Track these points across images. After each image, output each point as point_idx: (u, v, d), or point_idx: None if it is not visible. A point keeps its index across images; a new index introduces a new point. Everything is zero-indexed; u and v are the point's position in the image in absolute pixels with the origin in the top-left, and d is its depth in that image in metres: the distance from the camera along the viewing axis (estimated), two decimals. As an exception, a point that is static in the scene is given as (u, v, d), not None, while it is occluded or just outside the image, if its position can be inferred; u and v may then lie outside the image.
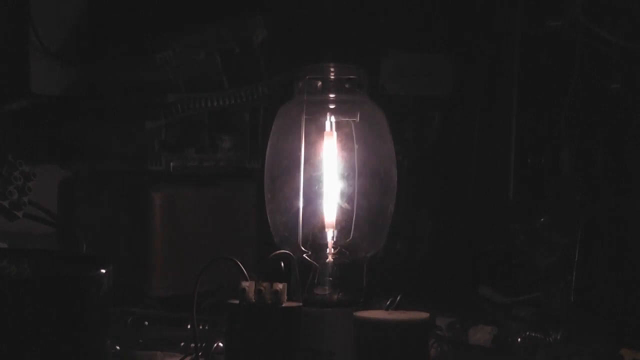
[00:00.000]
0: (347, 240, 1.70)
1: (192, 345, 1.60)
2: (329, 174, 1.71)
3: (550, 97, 1.67)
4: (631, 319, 1.52)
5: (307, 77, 1.70)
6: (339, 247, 1.70)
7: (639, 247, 1.54)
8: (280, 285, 1.54)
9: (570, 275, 1.55)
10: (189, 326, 1.69)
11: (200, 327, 1.69)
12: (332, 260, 1.69)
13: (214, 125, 2.10)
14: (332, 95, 1.73)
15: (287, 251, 1.63)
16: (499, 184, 1.76)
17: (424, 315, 1.47)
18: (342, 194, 1.70)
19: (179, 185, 2.10)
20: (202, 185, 2.10)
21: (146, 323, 1.87)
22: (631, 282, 1.54)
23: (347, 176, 1.70)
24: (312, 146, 1.70)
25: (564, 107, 1.57)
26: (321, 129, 1.72)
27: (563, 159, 1.65)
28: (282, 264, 1.58)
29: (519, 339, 1.59)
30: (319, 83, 1.70)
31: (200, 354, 1.63)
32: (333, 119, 1.71)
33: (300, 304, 1.56)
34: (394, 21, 1.91)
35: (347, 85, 1.72)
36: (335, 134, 1.70)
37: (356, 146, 1.69)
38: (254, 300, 1.54)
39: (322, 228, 1.71)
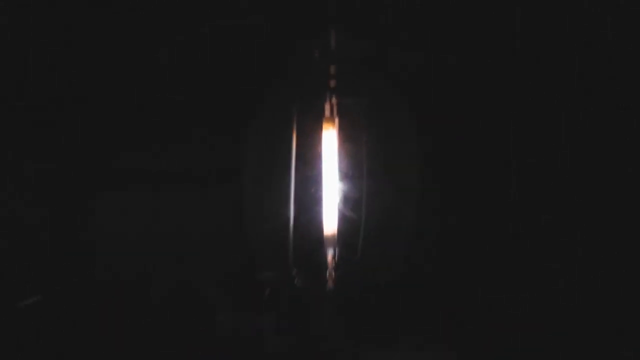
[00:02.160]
0: (353, 260, 1.50)
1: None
2: (329, 173, 1.53)
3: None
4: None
5: (301, 44, 1.50)
6: (342, 270, 1.51)
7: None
8: None
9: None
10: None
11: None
12: (333, 287, 1.49)
13: (187, 117, 1.70)
14: (333, 70, 1.51)
15: (273, 274, 1.48)
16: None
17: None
18: (347, 199, 1.53)
19: (137, 187, 1.73)
20: (169, 187, 1.72)
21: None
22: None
23: (352, 176, 1.53)
24: (306, 137, 1.52)
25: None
26: (319, 115, 1.53)
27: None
28: (267, 293, 1.45)
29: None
30: (316, 52, 1.50)
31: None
32: (335, 100, 1.51)
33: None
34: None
35: (354, 57, 1.52)
36: (337, 120, 1.52)
37: (365, 136, 1.50)
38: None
39: (320, 244, 1.53)
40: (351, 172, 1.56)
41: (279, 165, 1.53)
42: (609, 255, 1.50)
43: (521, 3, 1.52)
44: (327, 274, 1.52)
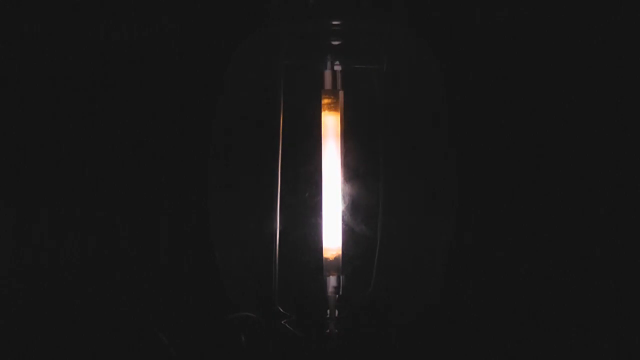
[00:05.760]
0: (364, 293, 1.32)
1: None
2: (330, 171, 1.33)
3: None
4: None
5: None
6: (348, 307, 1.32)
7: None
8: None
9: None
10: None
11: None
12: (335, 332, 1.30)
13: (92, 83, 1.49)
14: (336, 22, 1.32)
15: (250, 315, 1.32)
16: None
17: None
18: (355, 208, 1.34)
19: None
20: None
21: None
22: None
23: (364, 174, 1.34)
24: (297, 118, 1.33)
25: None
26: (315, 86, 1.34)
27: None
28: (243, 337, 1.30)
29: None
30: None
31: None
32: (338, 66, 1.33)
33: None
34: None
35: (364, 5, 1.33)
36: (341, 94, 1.33)
37: (382, 118, 1.33)
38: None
39: (318, 271, 1.33)
40: (362, 169, 1.33)
41: (258, 158, 1.32)
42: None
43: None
44: (328, 314, 1.29)
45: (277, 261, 1.28)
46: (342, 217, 1.30)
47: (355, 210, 1.30)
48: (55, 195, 1.50)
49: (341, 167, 1.30)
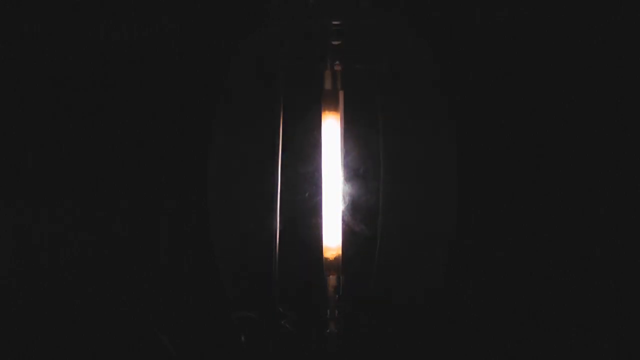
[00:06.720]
0: (364, 293, 1.29)
1: None
2: (330, 171, 1.30)
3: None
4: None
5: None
6: (348, 307, 1.29)
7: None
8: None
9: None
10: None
11: None
12: (335, 331, 1.28)
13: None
14: (336, 22, 1.29)
15: (250, 314, 1.30)
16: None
17: None
18: (355, 208, 1.31)
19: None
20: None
21: None
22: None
23: (363, 174, 1.32)
24: (297, 118, 1.31)
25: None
26: (315, 86, 1.31)
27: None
28: (242, 337, 1.28)
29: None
30: (311, -4, 1.31)
31: None
32: (338, 66, 1.30)
33: None
34: None
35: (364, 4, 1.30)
36: (342, 94, 1.30)
37: (382, 118, 1.31)
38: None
39: (319, 271, 1.30)
40: (362, 169, 1.30)
41: (258, 158, 1.29)
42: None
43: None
44: (327, 314, 1.27)
45: (277, 261, 1.25)
46: (342, 217, 1.27)
47: (355, 210, 1.27)
48: (55, 195, 1.47)
49: (341, 167, 1.27)
